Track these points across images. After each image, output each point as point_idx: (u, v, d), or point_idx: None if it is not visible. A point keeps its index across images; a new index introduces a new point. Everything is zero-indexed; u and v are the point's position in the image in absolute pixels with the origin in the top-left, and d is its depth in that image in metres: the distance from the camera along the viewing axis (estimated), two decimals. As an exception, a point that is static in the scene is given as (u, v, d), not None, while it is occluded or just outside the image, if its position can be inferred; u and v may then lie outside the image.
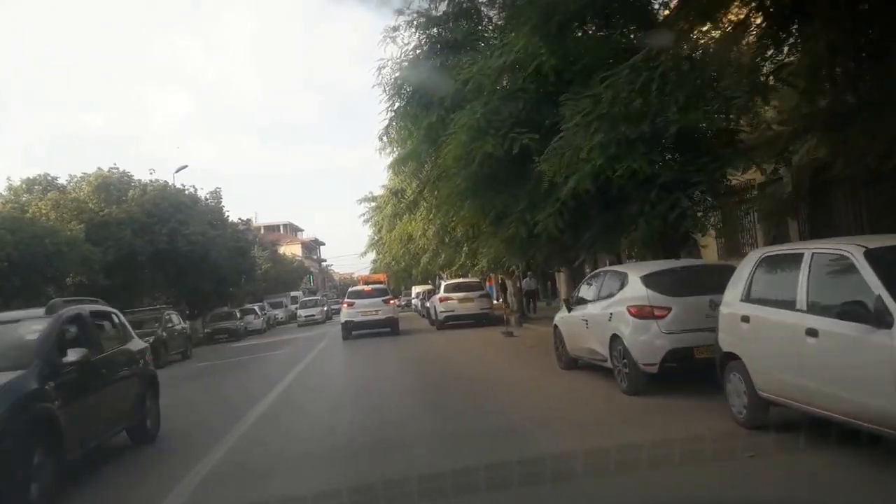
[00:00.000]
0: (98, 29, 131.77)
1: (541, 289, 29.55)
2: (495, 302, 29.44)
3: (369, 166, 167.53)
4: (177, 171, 32.57)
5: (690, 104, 9.47)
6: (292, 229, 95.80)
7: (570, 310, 10.11)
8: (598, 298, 9.09)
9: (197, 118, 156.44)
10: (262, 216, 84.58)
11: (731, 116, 10.92)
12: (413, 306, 44.97)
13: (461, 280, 24.69)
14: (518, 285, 23.61)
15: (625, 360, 8.04)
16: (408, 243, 35.81)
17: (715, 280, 8.03)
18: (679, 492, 4.49)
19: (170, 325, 21.07)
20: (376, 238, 47.54)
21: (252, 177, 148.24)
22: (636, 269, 8.54)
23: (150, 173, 25.75)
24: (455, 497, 4.70)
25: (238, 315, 34.16)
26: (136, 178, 25.49)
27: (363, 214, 45.16)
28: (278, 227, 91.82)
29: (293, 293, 57.20)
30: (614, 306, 8.37)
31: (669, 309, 7.75)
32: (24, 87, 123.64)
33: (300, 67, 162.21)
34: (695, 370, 7.72)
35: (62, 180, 23.94)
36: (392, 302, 23.17)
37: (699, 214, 11.45)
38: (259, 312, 38.20)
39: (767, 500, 4.33)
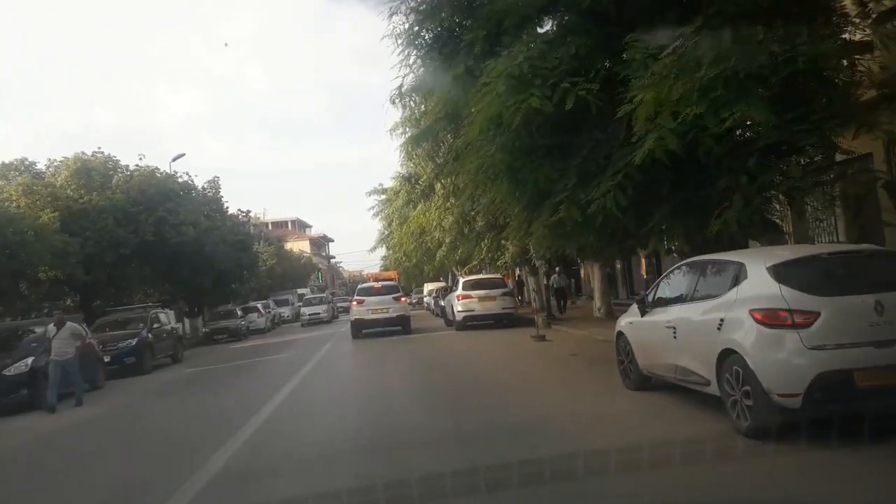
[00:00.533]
0: (107, 28, 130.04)
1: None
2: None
3: (378, 163, 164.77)
4: (173, 160, 30.30)
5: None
6: (300, 225, 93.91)
7: (644, 312, 7.66)
8: (693, 298, 6.65)
9: (206, 116, 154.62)
10: (271, 213, 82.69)
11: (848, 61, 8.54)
12: (425, 304, 42.71)
13: (482, 276, 22.25)
14: (546, 282, 21.13)
15: (745, 388, 5.59)
16: (420, 237, 33.51)
17: (879, 272, 5.64)
18: (679, 492, 4.41)
19: (157, 325, 18.77)
20: (386, 233, 45.27)
21: (260, 174, 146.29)
22: (758, 256, 6.07)
23: (140, 159, 23.39)
24: (455, 498, 4.67)
25: (239, 313, 31.94)
26: (123, 163, 23.16)
27: (372, 207, 42.84)
28: (286, 223, 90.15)
29: (300, 290, 54.94)
30: (726, 309, 5.91)
31: (817, 314, 5.30)
32: (28, 86, 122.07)
33: (307, 64, 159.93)
34: (855, 404, 5.29)
35: (41, 165, 21.71)
36: (403, 300, 21.95)
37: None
38: (262, 311, 35.94)
39: (767, 500, 4.24)
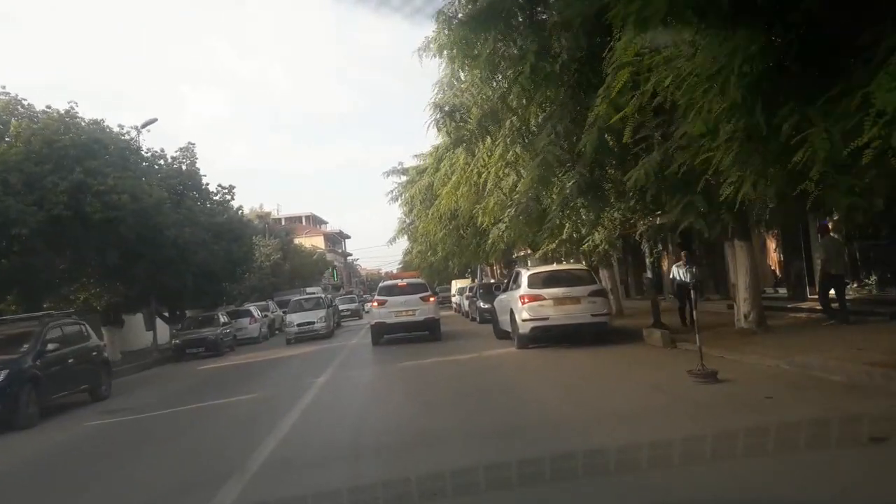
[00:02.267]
0: (130, 30, 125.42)
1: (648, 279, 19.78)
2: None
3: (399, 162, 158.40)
4: (143, 126, 23.66)
5: None
6: (315, 221, 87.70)
7: None
8: None
9: (229, 118, 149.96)
10: (285, 209, 77.09)
11: None
12: (454, 305, 35.97)
13: (558, 268, 15.12)
14: (649, 275, 13.86)
15: None
16: (451, 221, 26.62)
17: None
18: (679, 492, 4.22)
19: (53, 346, 11.87)
20: (407, 221, 38.50)
21: (279, 175, 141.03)
22: None
23: (71, 107, 16.32)
24: (455, 498, 4.49)
25: (223, 319, 25.08)
26: (40, 109, 16.00)
27: (391, 191, 36.14)
28: (300, 218, 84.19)
29: (310, 289, 48.06)
30: None
31: None
32: (49, 84, 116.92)
33: (329, 67, 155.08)
34: None
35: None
36: (432, 300, 18.47)
37: None
38: (256, 315, 29.03)
39: (767, 500, 4.07)
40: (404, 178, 35.84)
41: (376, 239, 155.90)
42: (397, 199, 35.58)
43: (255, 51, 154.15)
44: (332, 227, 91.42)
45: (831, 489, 4.25)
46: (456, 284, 37.59)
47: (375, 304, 18.23)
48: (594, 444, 5.87)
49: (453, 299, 37.55)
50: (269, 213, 52.13)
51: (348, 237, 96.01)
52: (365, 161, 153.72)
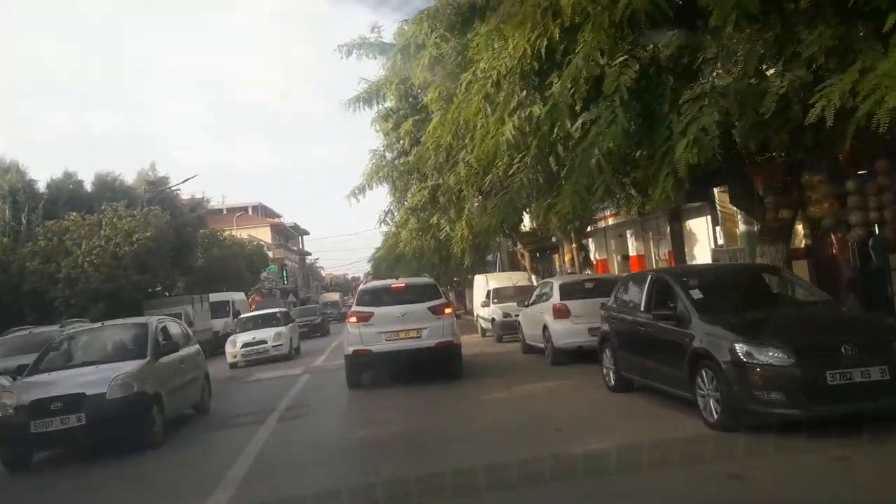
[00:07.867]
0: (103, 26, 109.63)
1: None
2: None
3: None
4: None
5: None
6: (264, 213, 68.77)
7: None
8: None
9: (201, 117, 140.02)
10: (231, 199, 60.28)
11: None
12: (481, 322, 17.95)
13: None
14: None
15: None
16: (533, 93, 8.04)
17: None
18: (679, 492, 4.32)
19: None
20: (389, 156, 19.66)
21: (259, 174, 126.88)
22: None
23: None
24: (455, 498, 4.57)
25: None
26: None
27: (355, 97, 17.06)
28: (245, 208, 65.85)
29: (219, 296, 28.75)
30: None
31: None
32: (25, 85, 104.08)
33: (306, 66, 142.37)
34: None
35: None
36: (447, 311, 11.61)
37: None
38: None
39: (767, 501, 4.20)
40: (381, 68, 16.93)
41: (346, 246, 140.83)
42: (369, 101, 16.68)
43: (238, 51, 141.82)
44: (287, 222, 73.17)
45: None
46: (488, 282, 19.02)
47: (354, 319, 11.70)
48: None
49: (479, 312, 19.23)
50: (165, 178, 32.80)
51: (306, 233, 77.07)
52: (341, 166, 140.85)
